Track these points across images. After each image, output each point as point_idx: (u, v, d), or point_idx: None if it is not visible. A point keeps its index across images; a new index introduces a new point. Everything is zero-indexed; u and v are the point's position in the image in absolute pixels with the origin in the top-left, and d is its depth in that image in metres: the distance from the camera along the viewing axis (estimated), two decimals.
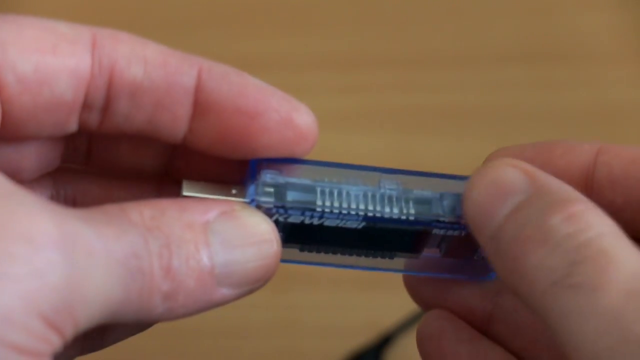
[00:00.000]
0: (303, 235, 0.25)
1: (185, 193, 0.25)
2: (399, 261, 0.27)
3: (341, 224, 0.25)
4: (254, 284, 0.24)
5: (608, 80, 0.52)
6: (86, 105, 0.24)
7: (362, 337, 0.45)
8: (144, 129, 0.25)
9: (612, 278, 0.21)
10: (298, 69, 0.52)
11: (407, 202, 0.25)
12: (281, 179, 0.25)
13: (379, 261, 0.27)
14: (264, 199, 0.25)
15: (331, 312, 0.46)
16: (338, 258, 0.26)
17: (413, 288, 0.29)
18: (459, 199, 0.25)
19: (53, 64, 0.23)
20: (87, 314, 0.21)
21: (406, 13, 0.54)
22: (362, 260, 0.26)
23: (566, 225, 0.22)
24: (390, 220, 0.25)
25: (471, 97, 0.52)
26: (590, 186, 0.26)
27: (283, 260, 0.25)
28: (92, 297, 0.21)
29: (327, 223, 0.25)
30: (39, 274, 0.20)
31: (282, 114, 0.25)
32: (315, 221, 0.25)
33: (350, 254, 0.26)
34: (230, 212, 0.24)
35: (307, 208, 0.25)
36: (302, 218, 0.25)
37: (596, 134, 0.50)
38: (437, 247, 0.26)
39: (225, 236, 0.23)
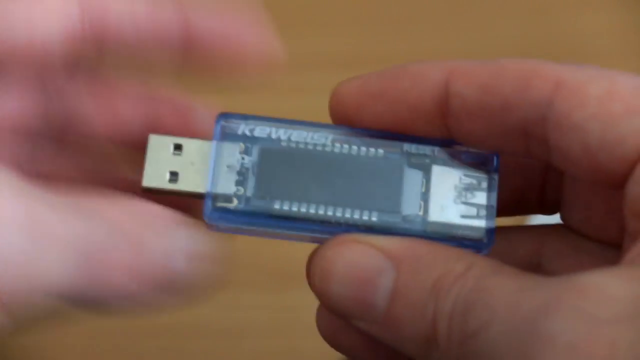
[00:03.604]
0: (274, 165, 0.25)
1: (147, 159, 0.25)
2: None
3: (310, 139, 0.25)
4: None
5: None
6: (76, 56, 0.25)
7: None
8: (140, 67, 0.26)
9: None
10: (298, 69, 0.52)
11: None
12: (243, 117, 0.26)
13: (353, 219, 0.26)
14: (229, 124, 0.26)
15: None
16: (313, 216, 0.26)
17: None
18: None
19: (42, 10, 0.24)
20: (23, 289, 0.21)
21: (406, 13, 0.54)
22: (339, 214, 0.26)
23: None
24: (360, 131, 0.26)
25: None
26: (448, 116, 0.25)
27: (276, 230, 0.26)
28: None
29: (294, 137, 0.25)
30: None
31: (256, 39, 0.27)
32: (283, 135, 0.25)
33: (327, 200, 0.26)
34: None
35: (273, 120, 0.26)
36: (268, 131, 0.26)
37: None
38: None
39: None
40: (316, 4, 0.55)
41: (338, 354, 0.46)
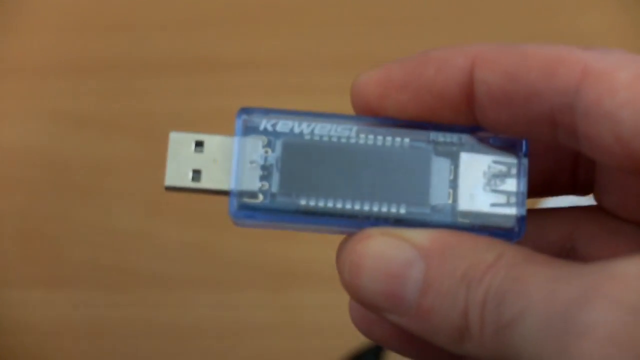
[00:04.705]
0: (298, 159, 0.25)
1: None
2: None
3: (334, 131, 0.25)
4: None
5: None
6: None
7: (362, 337, 0.45)
8: None
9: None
10: (298, 69, 0.52)
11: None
12: (265, 111, 0.25)
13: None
14: (251, 118, 0.25)
15: (331, 312, 0.46)
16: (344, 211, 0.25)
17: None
18: None
19: None
20: None
21: (406, 13, 0.54)
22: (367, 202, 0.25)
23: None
24: (385, 121, 0.25)
25: None
26: (473, 103, 0.24)
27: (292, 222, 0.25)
28: None
29: (318, 131, 0.25)
30: None
31: None
32: (306, 129, 0.25)
33: (356, 193, 0.25)
34: None
35: (295, 113, 0.25)
36: (290, 125, 0.25)
37: None
38: None
39: None
40: (316, 4, 0.55)
41: (338, 354, 0.46)
